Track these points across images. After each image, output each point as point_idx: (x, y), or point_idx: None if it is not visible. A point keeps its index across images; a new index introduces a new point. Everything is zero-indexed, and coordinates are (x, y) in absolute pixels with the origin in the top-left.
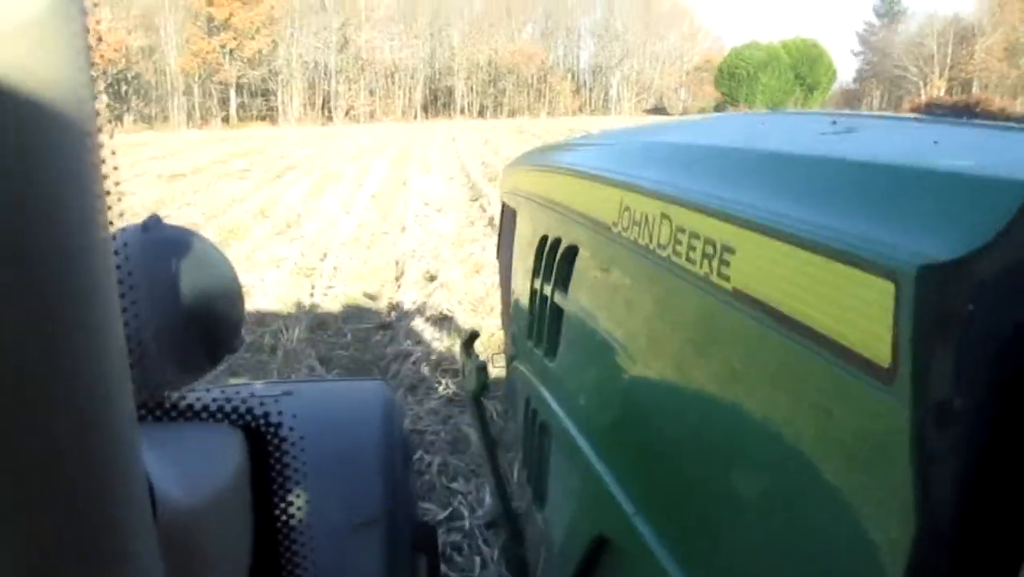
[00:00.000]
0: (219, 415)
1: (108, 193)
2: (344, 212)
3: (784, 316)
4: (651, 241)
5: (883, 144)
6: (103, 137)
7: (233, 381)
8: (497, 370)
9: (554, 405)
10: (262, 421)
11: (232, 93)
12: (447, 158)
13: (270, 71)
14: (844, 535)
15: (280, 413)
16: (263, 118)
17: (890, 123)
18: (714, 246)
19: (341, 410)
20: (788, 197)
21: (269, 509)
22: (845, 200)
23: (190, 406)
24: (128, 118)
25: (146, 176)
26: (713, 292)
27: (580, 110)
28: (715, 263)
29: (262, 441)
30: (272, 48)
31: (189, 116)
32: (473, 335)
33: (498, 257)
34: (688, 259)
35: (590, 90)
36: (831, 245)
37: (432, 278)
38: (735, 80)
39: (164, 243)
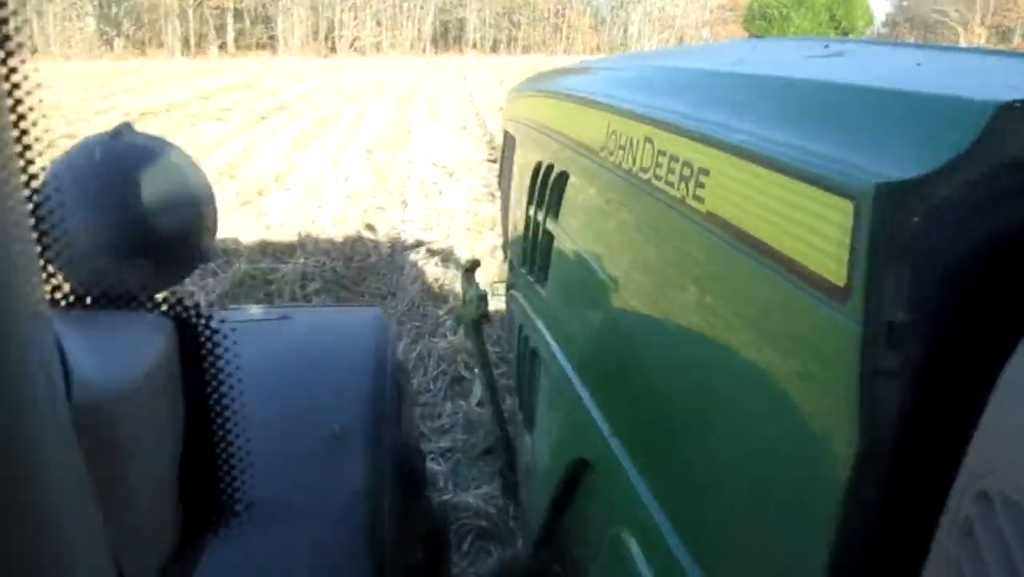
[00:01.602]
0: (149, 303)
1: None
2: (331, 173)
3: (751, 237)
4: (634, 164)
5: (864, 68)
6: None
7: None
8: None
9: (542, 331)
10: (192, 310)
11: (230, 19)
12: (458, 101)
13: None
14: (797, 448)
15: (212, 305)
16: (263, 47)
17: (882, 48)
18: (691, 168)
19: (330, 336)
20: (763, 119)
21: (203, 404)
22: (815, 122)
23: (119, 294)
24: (119, 43)
25: (111, 113)
26: (689, 215)
27: (598, 48)
28: (691, 185)
29: (193, 331)
30: None
31: (184, 43)
32: (475, 264)
33: (499, 186)
34: (668, 182)
35: (610, 26)
36: (795, 165)
37: (444, 296)
38: (766, 20)
39: (133, 150)
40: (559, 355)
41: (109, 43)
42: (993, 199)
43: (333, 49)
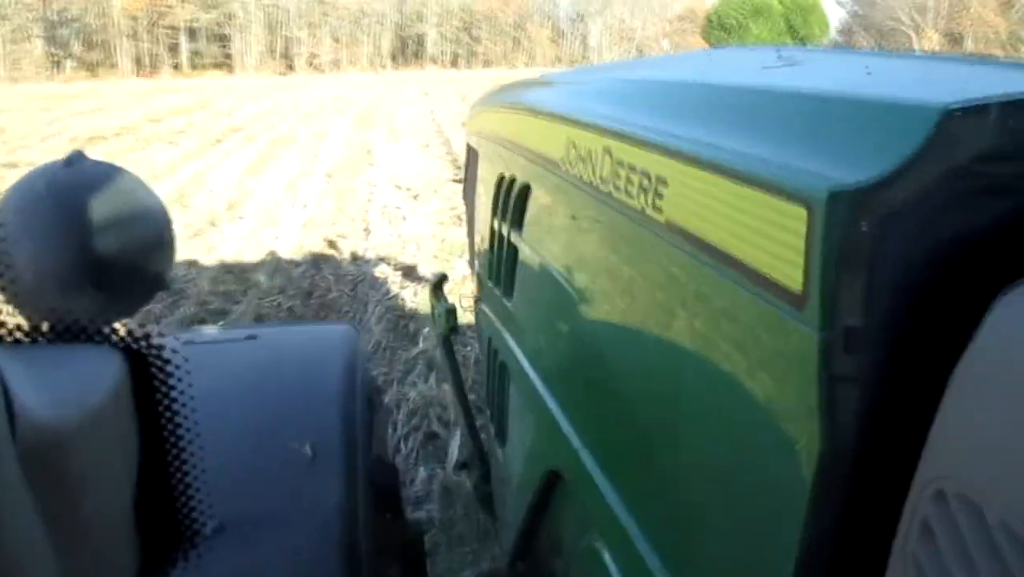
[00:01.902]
0: (98, 336)
1: None
2: (288, 200)
3: (710, 246)
4: (594, 176)
5: (817, 75)
6: None
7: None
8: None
9: (511, 344)
10: (142, 341)
11: (183, 38)
12: (420, 118)
13: (224, 15)
14: (763, 453)
15: (162, 334)
16: (219, 66)
17: (833, 56)
18: (649, 179)
19: (301, 355)
20: (718, 128)
21: (159, 433)
22: (769, 130)
23: (67, 328)
24: (69, 65)
25: (58, 138)
26: (649, 226)
27: (559, 60)
28: (650, 196)
29: (146, 364)
30: None
31: (137, 64)
32: (442, 278)
33: (464, 199)
34: (627, 193)
35: (570, 39)
36: (750, 173)
37: (412, 336)
38: (724, 30)
39: (87, 178)
40: (527, 367)
41: (59, 65)
42: (946, 203)
43: (291, 67)
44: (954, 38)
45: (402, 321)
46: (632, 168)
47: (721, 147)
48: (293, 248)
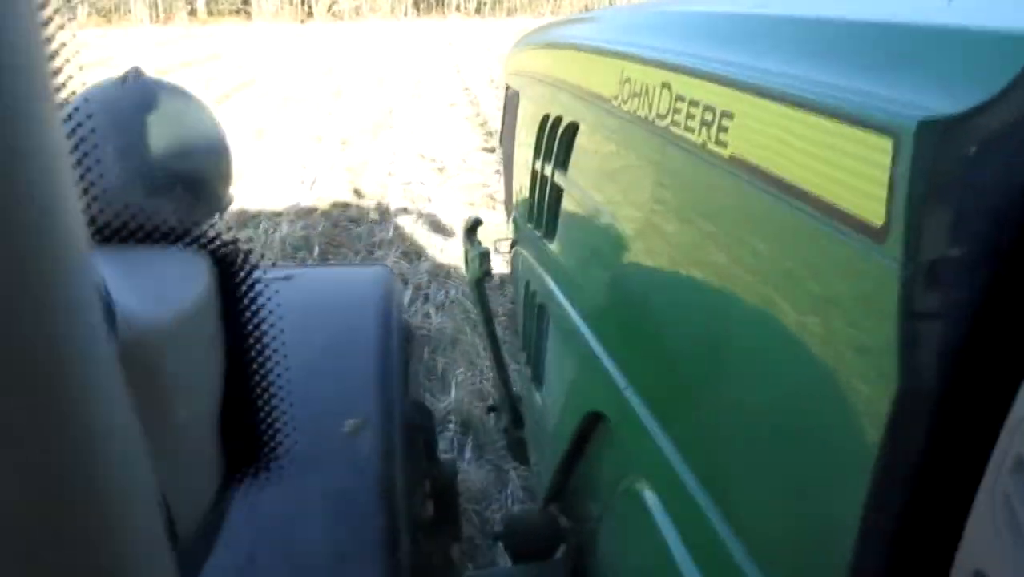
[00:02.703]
0: (188, 238)
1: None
2: (294, 173)
3: (781, 181)
4: (650, 112)
5: (892, 4)
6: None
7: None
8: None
9: (551, 286)
10: (229, 245)
11: None
12: (445, 72)
13: None
14: (832, 395)
15: (250, 240)
16: (237, 12)
17: None
18: (712, 112)
19: (338, 295)
20: (787, 58)
21: (243, 336)
22: (845, 59)
23: (157, 228)
24: (83, 11)
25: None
26: (711, 161)
27: (587, 8)
28: (713, 130)
29: (231, 268)
30: None
31: (153, 9)
32: (476, 222)
33: (501, 144)
34: (687, 128)
35: None
36: (827, 104)
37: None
38: None
39: (144, 95)
40: (570, 310)
41: (72, 11)
42: None
43: (310, 14)
44: None
45: (432, 357)
46: (693, 102)
47: (792, 77)
48: (294, 243)
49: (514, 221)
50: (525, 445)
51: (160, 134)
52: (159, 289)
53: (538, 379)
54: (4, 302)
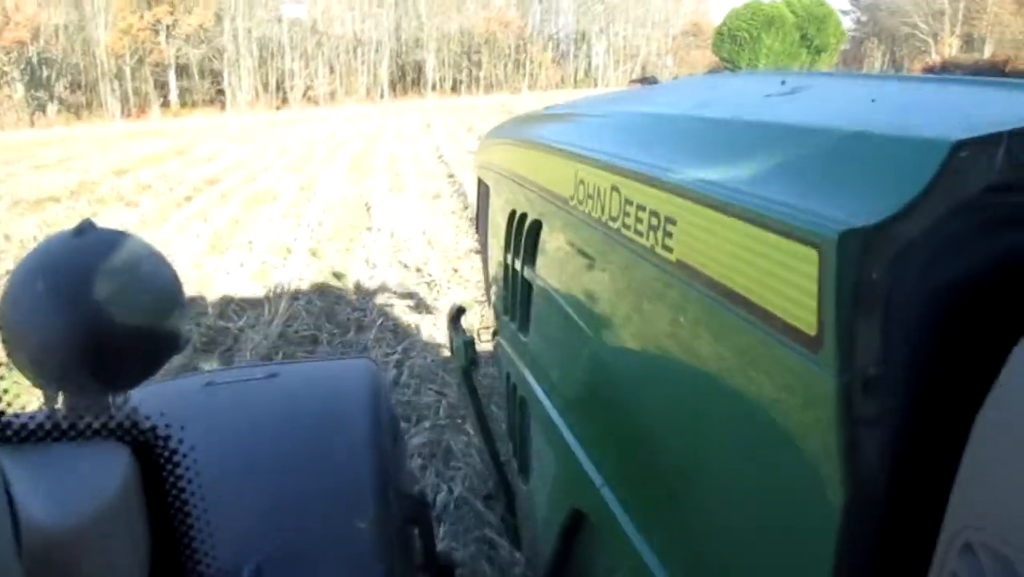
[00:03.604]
0: (104, 432)
1: None
2: (255, 299)
3: (722, 286)
4: (603, 214)
5: (821, 106)
6: None
7: (218, 366)
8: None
9: (529, 379)
10: (150, 434)
11: (171, 75)
12: (425, 157)
13: (213, 49)
14: (786, 497)
15: (168, 426)
16: (211, 103)
17: (836, 81)
18: (658, 217)
19: (324, 393)
20: (725, 166)
21: (169, 523)
22: (776, 167)
23: (73, 425)
24: (52, 108)
25: (1, 201)
26: (660, 264)
27: (563, 82)
28: (659, 235)
29: (152, 455)
30: (215, 22)
31: (125, 103)
32: (460, 310)
33: (477, 232)
34: (636, 231)
35: (572, 59)
36: (759, 213)
37: None
38: (736, 43)
39: (97, 247)
40: (547, 403)
41: (42, 109)
42: (956, 238)
43: (285, 100)
44: (971, 42)
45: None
46: (640, 206)
47: (729, 187)
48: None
49: (495, 309)
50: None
51: (113, 287)
52: (72, 489)
53: (524, 471)
54: None
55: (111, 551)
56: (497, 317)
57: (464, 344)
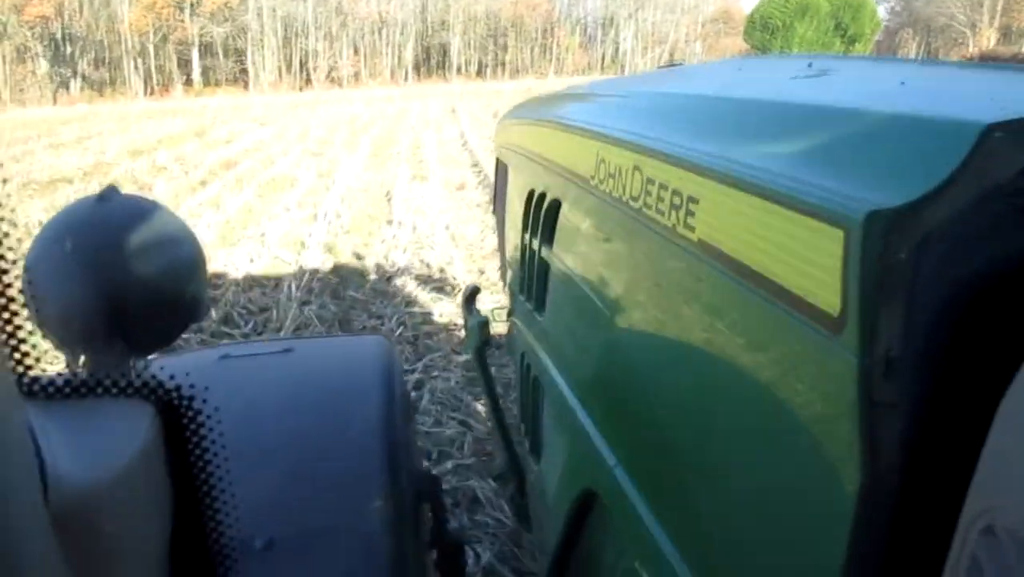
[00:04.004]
0: (130, 390)
1: None
2: (265, 297)
3: (744, 266)
4: (624, 193)
5: (849, 88)
6: None
7: (234, 341)
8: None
9: (544, 360)
10: (174, 394)
11: (194, 54)
12: (449, 144)
13: (237, 27)
14: (803, 480)
15: (193, 386)
16: (234, 82)
17: (865, 64)
18: (680, 197)
19: (338, 368)
20: (749, 146)
21: (191, 485)
22: (802, 148)
23: (99, 382)
24: (75, 85)
25: (11, 183)
26: (681, 243)
27: (589, 67)
28: (682, 214)
29: (176, 415)
30: (240, 0)
31: (148, 81)
32: (475, 290)
33: (494, 212)
34: (658, 211)
35: (600, 44)
36: (784, 193)
37: None
38: (767, 31)
39: (121, 213)
40: (561, 383)
41: (65, 85)
42: (985, 223)
43: (308, 81)
44: (1009, 34)
45: None
46: (663, 186)
47: (754, 166)
48: None
49: (510, 289)
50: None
51: (135, 252)
52: (98, 446)
53: (535, 452)
54: None
55: (135, 508)
56: (512, 297)
57: (478, 324)
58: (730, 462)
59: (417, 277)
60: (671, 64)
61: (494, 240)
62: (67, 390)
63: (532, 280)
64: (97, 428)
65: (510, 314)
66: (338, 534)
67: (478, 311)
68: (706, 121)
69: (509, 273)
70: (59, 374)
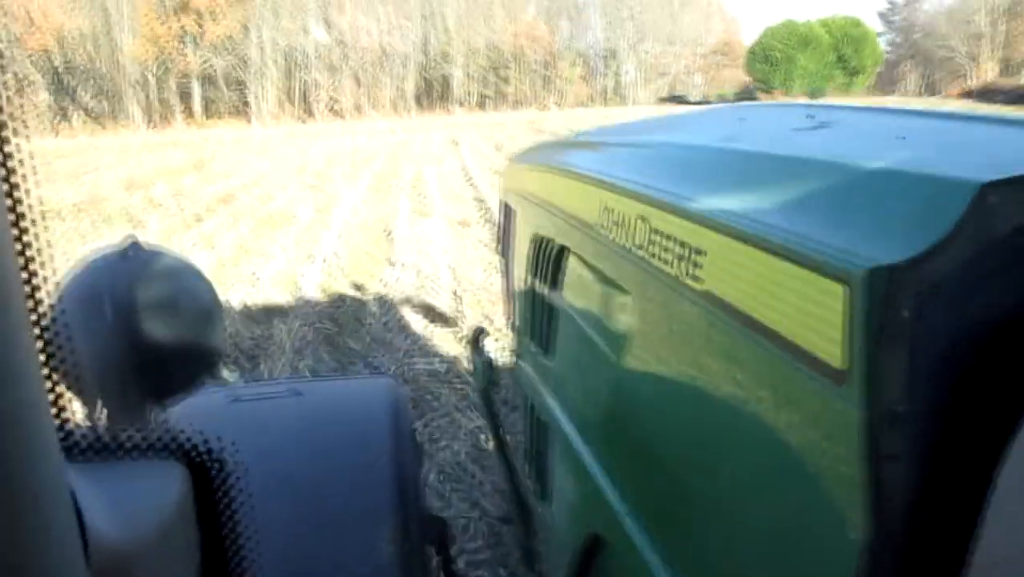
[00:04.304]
0: (162, 449)
1: (18, 203)
2: (253, 347)
3: (749, 318)
4: (630, 242)
5: (850, 142)
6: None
7: (243, 381)
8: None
9: (550, 403)
10: (204, 453)
11: (195, 85)
12: (452, 178)
13: (238, 59)
14: (806, 533)
15: (220, 440)
16: (237, 113)
17: (864, 116)
18: (685, 248)
19: (347, 411)
20: (753, 198)
21: (220, 542)
22: (805, 201)
23: (131, 442)
24: (77, 117)
25: None
26: (686, 294)
27: (591, 99)
28: (687, 265)
29: (206, 474)
30: (242, 33)
31: (149, 113)
32: (481, 332)
33: (500, 254)
34: (663, 260)
35: (602, 77)
36: (787, 248)
37: None
38: (768, 63)
39: (142, 269)
40: (568, 428)
41: (67, 118)
42: (986, 277)
43: (310, 113)
44: (1010, 66)
45: None
46: (668, 236)
47: (758, 219)
48: None
49: (516, 332)
50: (537, 556)
51: (157, 305)
52: (133, 505)
53: (542, 494)
54: None
55: (170, 565)
56: (518, 339)
57: (484, 364)
58: (736, 510)
59: (420, 325)
60: (673, 98)
61: (500, 283)
62: (102, 449)
63: (538, 323)
64: (130, 486)
65: (517, 357)
66: (348, 574)
67: (484, 352)
68: (710, 172)
69: (515, 316)
70: (91, 430)
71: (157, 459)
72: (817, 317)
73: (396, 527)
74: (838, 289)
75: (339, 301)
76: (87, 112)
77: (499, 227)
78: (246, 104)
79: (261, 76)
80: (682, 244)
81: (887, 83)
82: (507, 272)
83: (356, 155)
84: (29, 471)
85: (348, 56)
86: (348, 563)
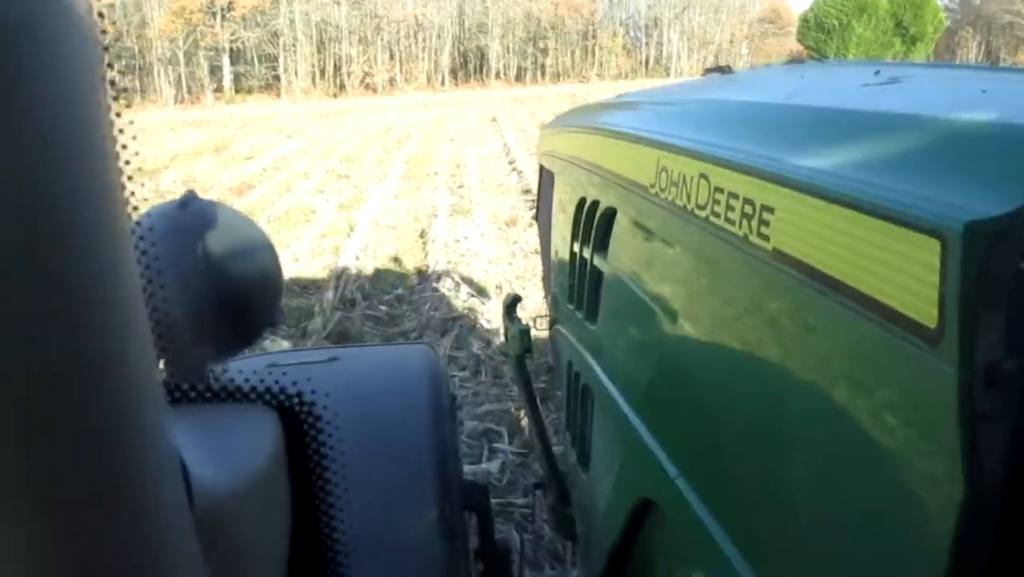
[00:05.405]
0: (253, 395)
1: (128, 177)
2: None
3: (826, 276)
4: (689, 202)
5: (927, 96)
6: (114, 118)
7: (280, 349)
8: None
9: (596, 368)
10: (295, 400)
11: (225, 60)
12: (492, 161)
13: (268, 32)
14: (892, 500)
15: (314, 392)
16: (267, 88)
17: (936, 72)
18: (753, 206)
19: (386, 376)
20: (828, 154)
21: (308, 488)
22: (885, 156)
23: (224, 387)
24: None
25: None
26: (753, 253)
27: (633, 71)
28: (754, 223)
29: (297, 420)
30: (272, 5)
31: (178, 89)
32: (515, 299)
33: (537, 220)
34: (727, 220)
35: (645, 47)
36: (874, 203)
37: None
38: (823, 31)
39: (200, 220)
40: (614, 392)
41: None
42: None
43: (342, 87)
44: None
45: None
46: (732, 195)
47: (835, 175)
48: None
49: (553, 299)
50: (572, 522)
51: (216, 258)
52: (231, 452)
53: (584, 461)
54: (87, 479)
55: (267, 511)
56: (556, 306)
57: (519, 332)
58: (809, 475)
59: (460, 367)
60: (717, 68)
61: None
62: (201, 395)
63: (582, 288)
64: (228, 433)
65: (553, 323)
66: (387, 544)
67: (519, 320)
68: (776, 129)
69: (554, 281)
70: (186, 379)
71: (247, 405)
72: (908, 275)
73: (435, 495)
74: (932, 245)
75: (361, 325)
76: (115, 88)
77: (537, 192)
78: (276, 79)
79: (292, 50)
80: (748, 202)
81: (945, 51)
82: (544, 239)
83: (387, 136)
84: (136, 412)
85: (381, 29)
86: (385, 531)
